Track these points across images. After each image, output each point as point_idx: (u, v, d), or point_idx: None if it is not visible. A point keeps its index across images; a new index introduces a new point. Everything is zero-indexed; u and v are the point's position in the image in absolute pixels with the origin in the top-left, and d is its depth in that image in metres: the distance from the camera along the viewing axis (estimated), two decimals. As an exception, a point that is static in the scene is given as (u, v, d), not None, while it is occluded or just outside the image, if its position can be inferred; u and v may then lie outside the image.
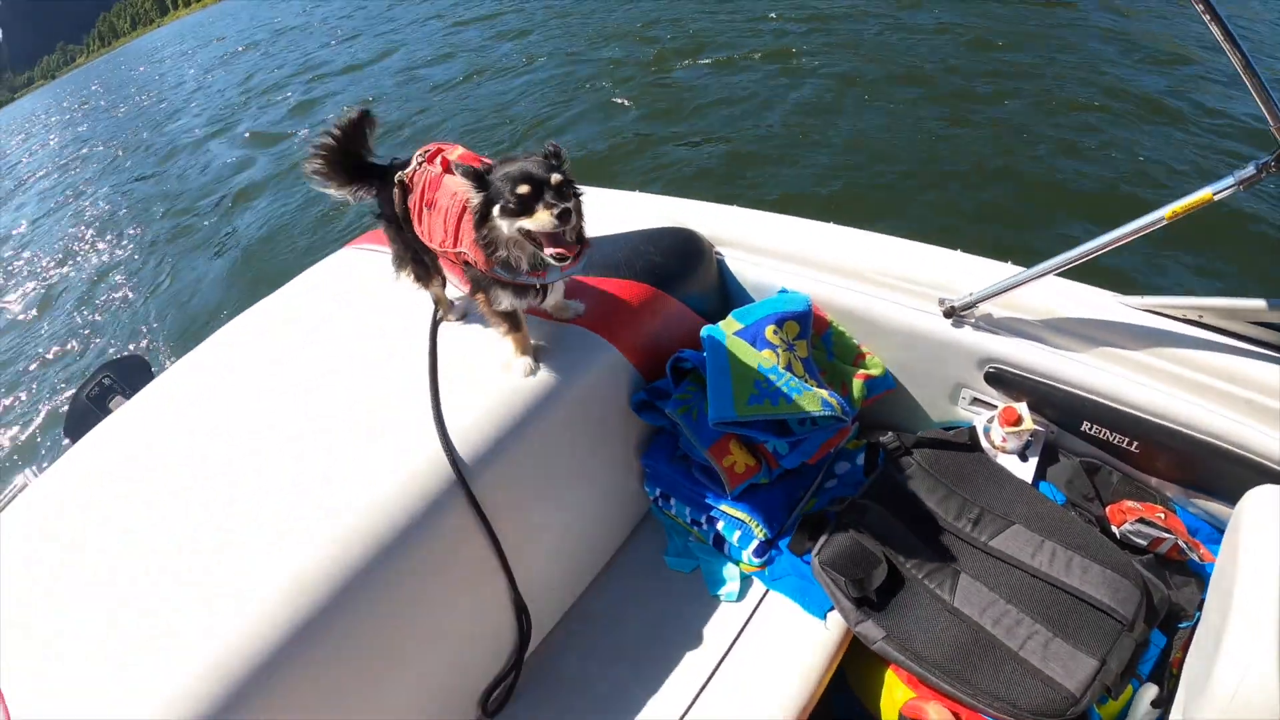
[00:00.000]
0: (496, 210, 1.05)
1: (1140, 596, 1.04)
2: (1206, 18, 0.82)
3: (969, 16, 6.84)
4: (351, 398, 1.31)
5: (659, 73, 7.07)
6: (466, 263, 1.18)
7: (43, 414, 5.17)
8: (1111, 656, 1.00)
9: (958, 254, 1.40)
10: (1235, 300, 1.07)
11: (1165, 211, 1.01)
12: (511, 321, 1.25)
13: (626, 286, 1.46)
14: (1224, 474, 1.12)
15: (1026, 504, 1.21)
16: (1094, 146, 4.45)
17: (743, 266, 1.61)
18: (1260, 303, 1.03)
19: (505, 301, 1.19)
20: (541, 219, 1.02)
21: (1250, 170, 0.91)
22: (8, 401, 5.61)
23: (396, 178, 1.26)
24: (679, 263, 1.55)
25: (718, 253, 1.64)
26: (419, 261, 1.36)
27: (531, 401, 1.24)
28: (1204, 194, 0.97)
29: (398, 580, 1.06)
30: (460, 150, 1.25)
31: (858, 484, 1.34)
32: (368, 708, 1.06)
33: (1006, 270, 1.30)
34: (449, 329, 1.40)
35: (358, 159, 1.28)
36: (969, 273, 1.34)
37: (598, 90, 7.06)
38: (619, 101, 6.58)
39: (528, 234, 1.05)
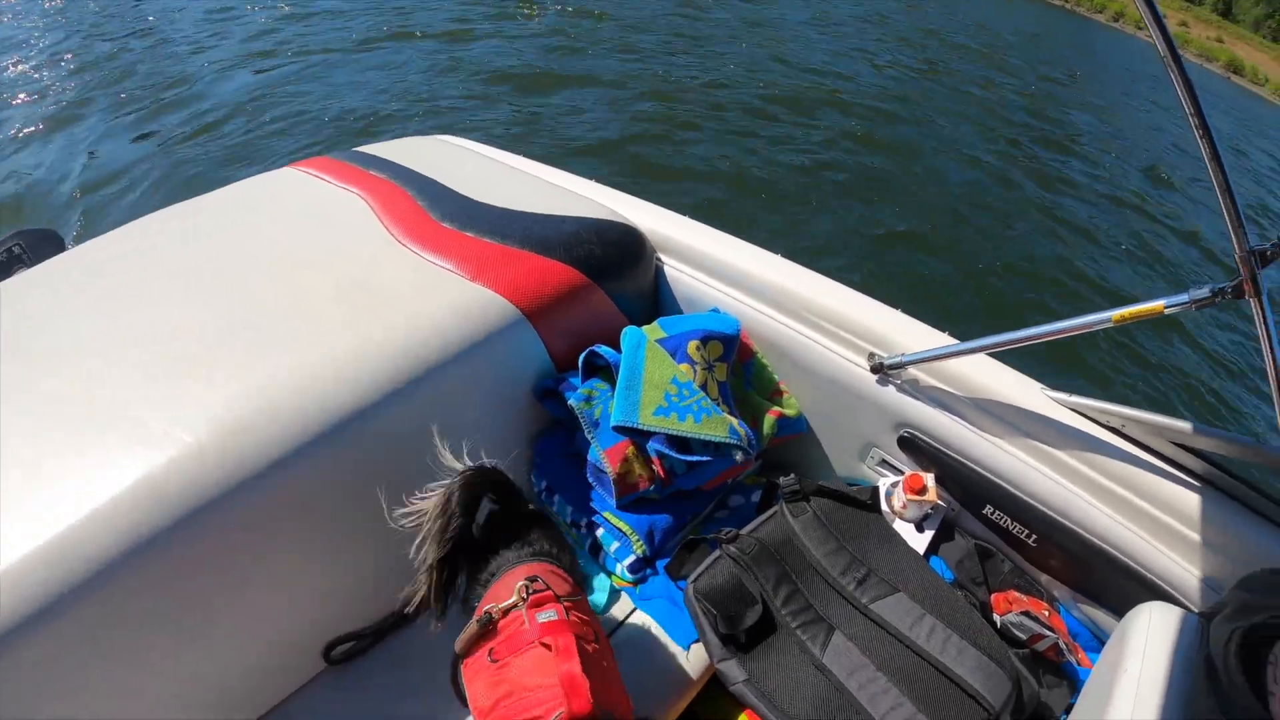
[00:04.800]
0: None
1: (1011, 689, 0.99)
2: (1199, 134, 0.81)
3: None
4: (262, 302, 1.22)
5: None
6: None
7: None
8: (972, 744, 0.93)
9: (897, 313, 1.36)
10: (1161, 417, 1.05)
11: (1114, 314, 0.98)
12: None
13: (559, 270, 1.35)
14: (1115, 585, 1.10)
15: (915, 574, 1.16)
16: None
17: (680, 277, 1.54)
18: (1185, 425, 1.01)
19: None
20: None
21: (1205, 292, 0.88)
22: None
23: (485, 611, 0.85)
24: (618, 259, 1.47)
25: (658, 258, 1.57)
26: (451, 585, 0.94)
27: (435, 357, 1.16)
28: (1156, 305, 0.94)
29: (292, 495, 0.99)
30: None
31: (748, 520, 1.25)
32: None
33: (941, 339, 1.27)
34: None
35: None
36: (904, 333, 1.30)
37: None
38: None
39: None
